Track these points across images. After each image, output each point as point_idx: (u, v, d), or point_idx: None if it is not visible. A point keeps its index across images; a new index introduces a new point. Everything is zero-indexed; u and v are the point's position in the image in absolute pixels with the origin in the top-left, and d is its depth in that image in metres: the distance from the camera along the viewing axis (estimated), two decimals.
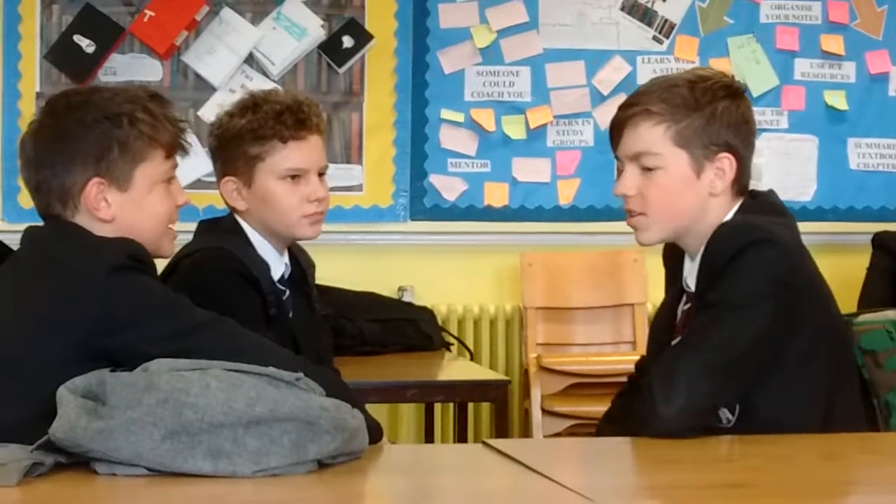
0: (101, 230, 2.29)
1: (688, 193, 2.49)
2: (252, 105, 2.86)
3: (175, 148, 2.38)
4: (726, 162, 2.49)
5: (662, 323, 2.61)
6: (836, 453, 2.27)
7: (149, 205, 2.34)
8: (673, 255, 2.62)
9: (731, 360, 2.33)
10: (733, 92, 2.52)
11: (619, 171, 2.58)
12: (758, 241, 2.38)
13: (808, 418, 2.39)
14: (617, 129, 2.54)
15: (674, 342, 2.51)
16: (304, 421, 1.97)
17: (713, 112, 2.48)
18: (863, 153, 5.56)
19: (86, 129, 2.29)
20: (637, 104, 2.52)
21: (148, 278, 2.25)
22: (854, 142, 5.56)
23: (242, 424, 1.94)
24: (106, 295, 2.17)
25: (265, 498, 1.89)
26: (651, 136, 2.49)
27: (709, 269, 2.42)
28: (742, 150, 2.51)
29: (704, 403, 2.32)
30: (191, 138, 2.43)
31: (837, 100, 5.50)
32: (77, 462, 1.97)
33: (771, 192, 2.57)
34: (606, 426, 2.50)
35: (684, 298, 2.55)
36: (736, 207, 2.51)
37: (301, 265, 2.97)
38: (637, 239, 2.58)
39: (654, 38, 5.46)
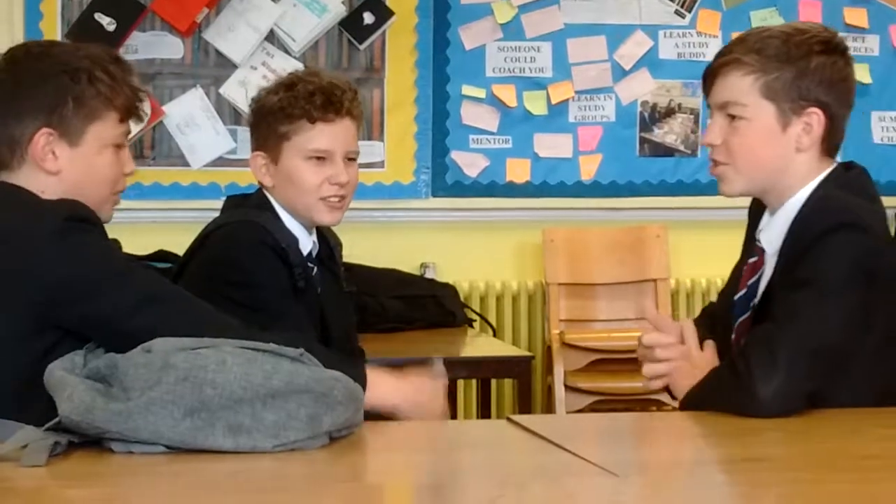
0: (45, 183, 2.27)
1: (772, 146, 2.45)
2: (289, 84, 2.87)
3: (130, 113, 2.36)
4: (815, 118, 2.44)
5: (735, 276, 2.58)
6: (858, 428, 2.26)
7: (97, 165, 2.32)
8: (757, 210, 2.58)
9: (827, 344, 2.30)
10: (832, 48, 2.47)
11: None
12: (848, 224, 2.34)
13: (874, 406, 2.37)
14: (709, 78, 2.51)
15: (737, 296, 2.50)
16: (319, 392, 1.98)
17: (806, 66, 2.43)
18: (886, 127, 5.54)
19: (43, 79, 2.28)
20: (730, 53, 2.48)
21: (94, 238, 2.21)
22: (878, 115, 5.53)
23: (260, 398, 1.95)
24: (52, 259, 2.14)
25: (286, 474, 1.90)
26: (740, 85, 2.45)
27: (794, 240, 2.38)
28: (835, 108, 2.46)
29: (803, 386, 2.28)
30: (146, 107, 2.42)
31: (861, 73, 5.47)
32: (87, 442, 1.97)
33: (863, 172, 2.52)
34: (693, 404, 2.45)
35: (754, 251, 2.52)
36: (825, 173, 2.46)
37: (328, 243, 2.98)
38: (720, 190, 2.52)
39: (676, 12, 5.43)
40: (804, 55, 2.44)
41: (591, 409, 4.86)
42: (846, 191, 2.44)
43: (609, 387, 4.83)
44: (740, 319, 2.50)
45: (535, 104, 5.37)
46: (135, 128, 2.40)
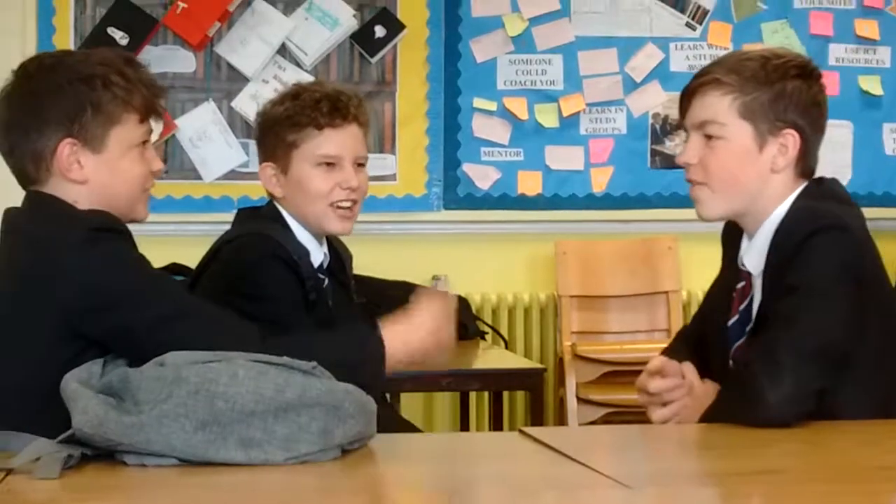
0: (75, 193, 2.28)
1: (748, 166, 2.48)
2: (294, 94, 2.89)
3: (150, 112, 2.36)
4: (790, 138, 2.47)
5: (719, 303, 2.60)
6: (872, 439, 2.26)
7: (123, 168, 2.33)
8: (732, 234, 2.60)
9: (828, 344, 2.32)
10: (807, 73, 2.51)
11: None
12: (830, 226, 2.36)
13: (868, 409, 2.37)
14: (686, 98, 2.54)
15: (730, 322, 2.51)
16: (331, 405, 1.98)
17: (783, 89, 2.47)
18: None
19: (59, 90, 2.28)
20: (708, 73, 2.51)
21: (121, 249, 2.22)
22: (889, 127, 5.53)
23: (271, 412, 1.95)
24: (78, 269, 2.15)
25: (298, 486, 1.90)
26: (718, 105, 2.48)
27: (778, 251, 2.40)
28: (808, 131, 2.49)
29: (811, 387, 2.28)
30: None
31: (872, 85, 5.47)
32: (99, 454, 1.97)
33: (835, 181, 2.55)
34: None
35: (740, 277, 2.54)
36: (799, 190, 2.49)
37: (339, 255, 2.99)
38: (698, 213, 2.55)
39: (687, 25, 5.44)
40: (781, 78, 2.48)
41: (604, 420, 4.86)
42: (821, 200, 2.46)
43: (621, 399, 4.82)
44: (737, 344, 2.51)
45: (547, 116, 5.38)
46: (156, 125, 2.41)
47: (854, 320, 2.35)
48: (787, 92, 2.47)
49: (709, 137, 2.49)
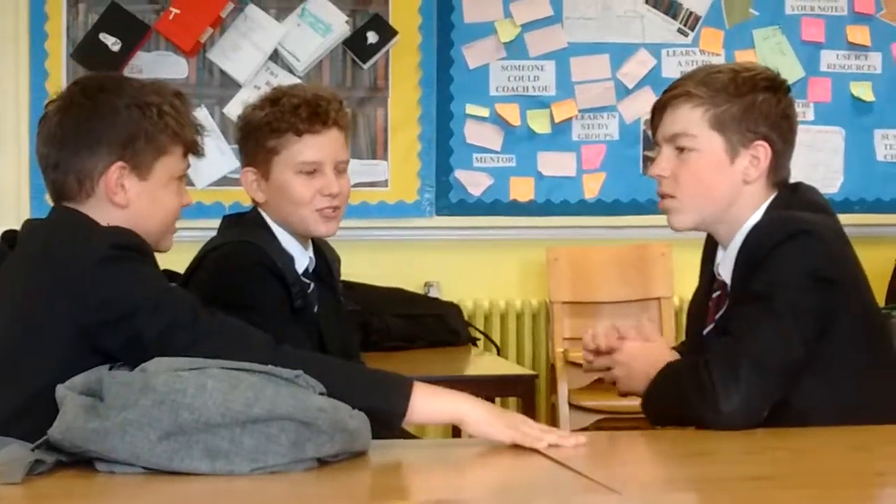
0: (113, 216, 2.29)
1: (720, 178, 2.50)
2: (273, 98, 2.88)
3: (194, 148, 2.40)
4: (761, 149, 2.49)
5: (697, 311, 2.62)
6: (863, 445, 2.26)
7: (162, 198, 2.35)
8: (712, 244, 2.62)
9: (787, 359, 2.35)
10: (776, 86, 2.53)
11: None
12: (798, 233, 2.38)
13: (841, 412, 2.38)
14: (658, 112, 2.56)
15: (706, 330, 2.53)
16: (301, 421, 1.95)
17: (753, 101, 2.49)
18: (890, 144, 5.54)
19: (117, 113, 2.30)
20: (679, 86, 2.53)
21: (138, 266, 2.22)
22: (881, 133, 5.53)
23: (239, 424, 1.93)
24: (95, 284, 2.15)
25: (267, 495, 1.88)
26: (689, 117, 2.50)
27: (748, 259, 2.42)
28: (779, 143, 2.51)
29: (763, 402, 2.33)
30: (208, 141, 2.45)
31: (864, 91, 5.48)
32: (78, 461, 1.97)
33: (811, 188, 2.56)
34: (653, 405, 2.48)
35: (715, 286, 2.56)
36: (771, 199, 2.50)
37: (326, 258, 2.98)
38: (669, 223, 2.58)
39: (679, 31, 5.44)
40: (751, 90, 2.50)
41: (595, 427, 4.85)
42: (791, 208, 2.47)
43: (613, 405, 4.81)
44: None
45: (539, 123, 5.38)
46: (193, 162, 2.43)
47: (818, 331, 2.37)
48: (758, 104, 2.49)
49: (680, 150, 2.52)
